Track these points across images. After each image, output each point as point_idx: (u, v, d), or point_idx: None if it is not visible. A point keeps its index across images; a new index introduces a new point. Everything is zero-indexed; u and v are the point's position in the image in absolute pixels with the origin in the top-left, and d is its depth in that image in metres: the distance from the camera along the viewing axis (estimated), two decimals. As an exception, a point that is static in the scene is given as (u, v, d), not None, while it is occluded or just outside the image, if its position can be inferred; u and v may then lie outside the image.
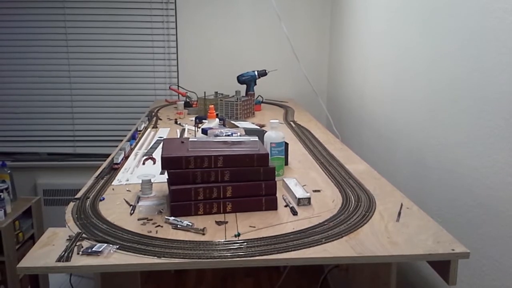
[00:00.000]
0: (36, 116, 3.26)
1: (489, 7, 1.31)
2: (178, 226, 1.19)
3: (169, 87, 3.16)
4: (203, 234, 1.15)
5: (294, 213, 1.28)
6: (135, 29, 3.18)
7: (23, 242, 2.42)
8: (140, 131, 2.29)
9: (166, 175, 1.47)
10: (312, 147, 1.98)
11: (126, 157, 1.83)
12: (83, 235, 1.14)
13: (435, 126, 1.65)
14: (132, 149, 1.96)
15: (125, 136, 2.20)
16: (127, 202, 1.37)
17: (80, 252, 1.05)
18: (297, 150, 1.93)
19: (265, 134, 1.58)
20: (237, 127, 1.93)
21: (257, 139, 1.39)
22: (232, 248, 1.07)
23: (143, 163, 1.76)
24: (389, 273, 1.28)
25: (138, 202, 1.35)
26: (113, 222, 1.23)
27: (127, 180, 1.57)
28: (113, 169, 1.69)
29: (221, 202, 1.28)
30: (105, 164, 1.74)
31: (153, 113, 2.76)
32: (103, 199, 1.39)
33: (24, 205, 2.47)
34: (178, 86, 3.22)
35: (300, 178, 1.54)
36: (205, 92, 2.72)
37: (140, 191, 1.42)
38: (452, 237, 1.13)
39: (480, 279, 1.35)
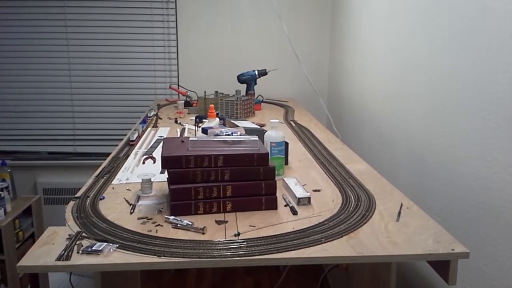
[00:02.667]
0: (36, 115, 3.26)
1: (490, 6, 1.31)
2: (178, 225, 1.19)
3: (169, 86, 3.16)
4: (203, 233, 1.15)
5: (294, 212, 1.28)
6: (136, 28, 3.18)
7: (23, 241, 2.43)
8: (150, 117, 2.57)
9: (166, 174, 1.47)
10: (312, 146, 1.98)
11: (139, 136, 2.14)
12: (83, 234, 1.14)
13: (435, 126, 1.65)
14: (144, 131, 2.27)
15: (125, 135, 2.21)
16: (127, 201, 1.37)
17: (80, 251, 1.05)
18: (297, 149, 1.93)
19: (265, 134, 1.58)
20: (237, 126, 1.93)
21: (257, 138, 1.39)
22: (232, 248, 1.07)
23: (143, 162, 1.76)
24: (389, 272, 1.28)
25: (138, 201, 1.35)
26: (113, 221, 1.23)
27: (127, 179, 1.57)
28: (130, 145, 2.01)
29: (221, 202, 1.28)
30: (105, 163, 1.74)
31: (161, 105, 2.86)
32: (103, 198, 1.39)
33: (24, 204, 2.47)
34: (178, 85, 3.22)
35: (300, 178, 1.54)
36: (205, 92, 2.71)
37: (140, 190, 1.42)
38: (452, 237, 1.13)
39: (480, 279, 1.35)
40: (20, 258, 1.03)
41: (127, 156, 1.84)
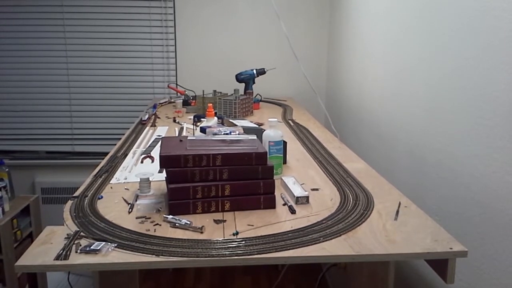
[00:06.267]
0: (34, 114, 3.26)
1: (488, 6, 1.31)
2: (177, 224, 1.19)
3: (168, 86, 3.16)
4: (201, 232, 1.15)
5: (293, 211, 1.28)
6: (134, 27, 3.17)
7: (21, 240, 2.42)
8: (161, 104, 2.90)
9: (164, 174, 1.47)
10: (310, 145, 1.98)
11: (150, 118, 2.49)
12: (81, 233, 1.14)
13: (434, 125, 1.65)
14: (153, 114, 2.58)
15: (123, 134, 2.20)
16: (125, 200, 1.37)
17: (78, 251, 1.05)
18: (295, 148, 1.93)
19: (264, 133, 1.58)
20: (236, 125, 1.93)
21: (255, 137, 1.39)
22: (230, 247, 1.07)
23: (142, 162, 1.76)
24: (387, 271, 1.28)
25: (136, 201, 1.35)
26: (111, 220, 1.22)
27: (125, 179, 1.56)
28: (142, 124, 2.38)
29: (219, 201, 1.28)
30: (103, 162, 1.74)
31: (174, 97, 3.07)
32: (101, 197, 1.39)
33: (22, 203, 2.47)
34: (176, 84, 3.22)
35: (298, 177, 1.54)
36: (203, 91, 2.71)
37: (139, 189, 1.42)
38: (450, 236, 1.13)
39: (478, 278, 1.35)
40: (18, 257, 1.03)
41: (125, 155, 1.84)
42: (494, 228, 1.28)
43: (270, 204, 1.31)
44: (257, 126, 2.11)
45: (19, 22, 3.12)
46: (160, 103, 2.90)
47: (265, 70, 2.87)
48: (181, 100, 2.81)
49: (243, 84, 2.87)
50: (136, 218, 1.24)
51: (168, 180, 1.28)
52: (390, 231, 1.16)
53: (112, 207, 1.32)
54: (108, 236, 1.13)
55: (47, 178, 3.26)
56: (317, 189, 1.46)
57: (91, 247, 1.05)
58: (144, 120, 2.42)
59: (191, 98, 2.89)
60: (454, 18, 1.50)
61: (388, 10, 2.12)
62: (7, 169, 2.48)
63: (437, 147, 1.62)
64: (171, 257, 1.03)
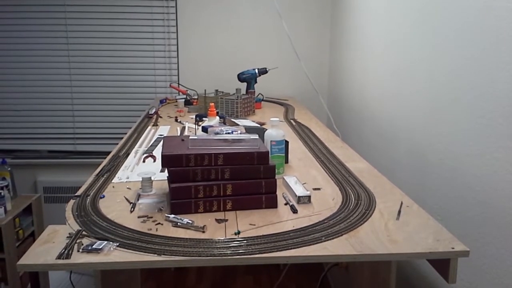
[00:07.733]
0: (36, 114, 3.26)
1: (489, 5, 1.31)
2: (178, 223, 1.19)
3: (170, 85, 3.16)
4: (203, 232, 1.15)
5: (294, 211, 1.28)
6: (136, 26, 3.18)
7: (23, 239, 2.43)
8: (177, 99, 2.95)
9: (166, 173, 1.47)
10: (312, 145, 1.98)
11: (155, 113, 2.58)
12: (83, 232, 1.14)
13: (435, 125, 1.65)
14: (158, 109, 2.71)
15: (125, 133, 2.21)
16: (127, 199, 1.37)
17: (80, 250, 1.05)
18: (297, 148, 1.93)
19: (266, 132, 1.58)
20: (238, 125, 1.93)
21: (257, 137, 1.39)
22: (232, 246, 1.08)
23: (143, 161, 1.76)
24: (389, 271, 1.28)
25: (138, 200, 1.35)
26: (113, 219, 1.23)
27: (127, 178, 1.57)
28: (149, 117, 2.52)
29: (221, 200, 1.28)
30: (105, 161, 1.74)
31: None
32: (103, 196, 1.39)
33: (24, 203, 2.47)
34: (178, 83, 3.22)
35: (300, 176, 1.54)
36: (205, 90, 2.71)
37: (140, 188, 1.42)
38: (452, 236, 1.13)
39: (480, 278, 1.35)
40: (20, 256, 1.03)
41: (127, 154, 1.84)
42: (496, 227, 1.28)
43: (271, 203, 1.31)
44: (259, 125, 2.11)
45: (21, 22, 3.13)
46: (175, 99, 2.97)
47: (267, 69, 2.87)
48: (183, 100, 2.81)
49: (245, 84, 2.88)
50: (138, 217, 1.24)
51: (170, 179, 1.29)
52: (392, 231, 1.16)
53: (114, 207, 1.32)
54: (110, 235, 1.13)
55: (49, 177, 3.27)
56: (319, 189, 1.46)
57: (93, 246, 1.06)
58: (151, 114, 2.53)
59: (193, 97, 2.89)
60: (454, 18, 1.50)
61: (389, 10, 2.12)
62: (9, 168, 2.49)
63: (438, 146, 1.61)
64: (173, 257, 1.03)
